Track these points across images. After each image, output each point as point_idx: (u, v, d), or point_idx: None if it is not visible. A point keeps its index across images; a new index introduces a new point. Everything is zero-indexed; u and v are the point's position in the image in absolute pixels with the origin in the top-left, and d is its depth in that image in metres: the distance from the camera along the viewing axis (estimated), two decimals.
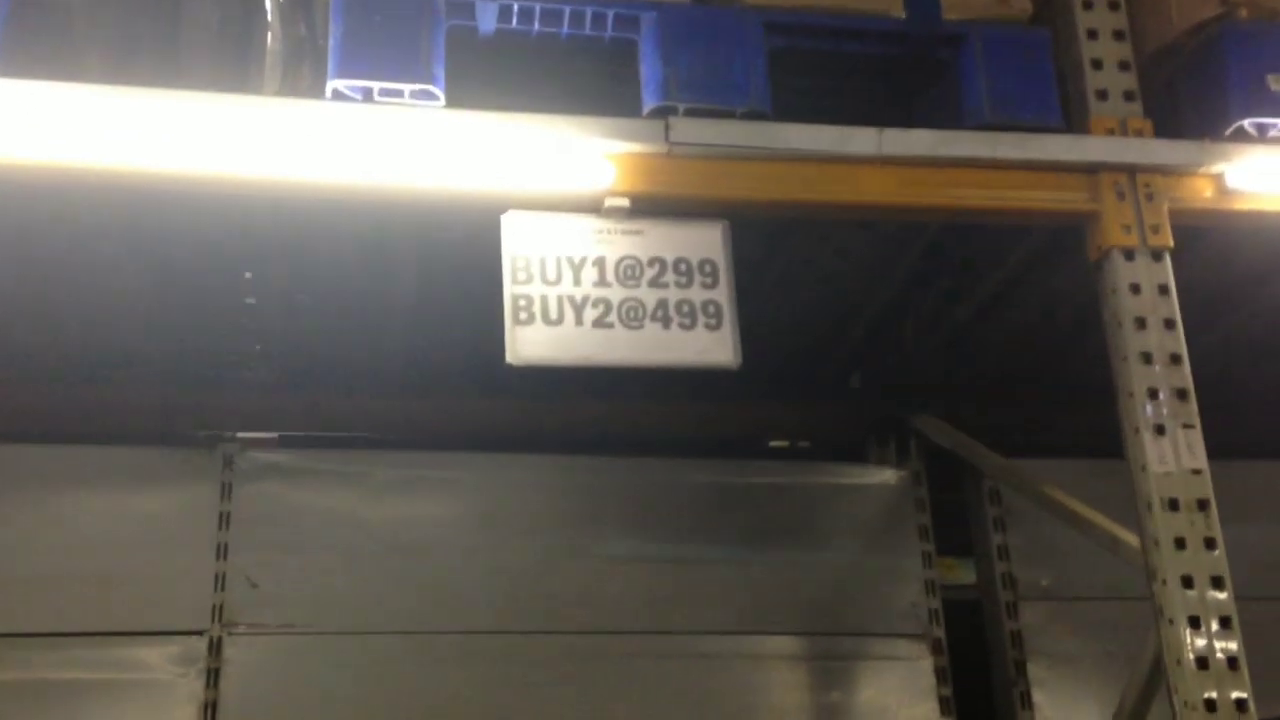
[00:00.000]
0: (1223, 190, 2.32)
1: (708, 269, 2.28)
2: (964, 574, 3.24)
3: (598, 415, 3.17)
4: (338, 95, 2.13)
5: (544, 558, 3.00)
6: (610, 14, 2.27)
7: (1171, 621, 2.08)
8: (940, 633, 3.08)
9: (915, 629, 3.08)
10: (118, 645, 2.74)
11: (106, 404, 2.98)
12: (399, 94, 2.14)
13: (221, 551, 2.86)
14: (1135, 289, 2.24)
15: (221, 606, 2.81)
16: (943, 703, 3.01)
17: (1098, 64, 2.39)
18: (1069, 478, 2.87)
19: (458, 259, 2.63)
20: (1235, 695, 2.02)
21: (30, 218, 2.43)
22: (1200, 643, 2.03)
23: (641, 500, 3.10)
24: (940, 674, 3.04)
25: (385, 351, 3.06)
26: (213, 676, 2.74)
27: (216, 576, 2.83)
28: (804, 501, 3.18)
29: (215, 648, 2.77)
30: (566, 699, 2.88)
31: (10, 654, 2.69)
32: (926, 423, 3.22)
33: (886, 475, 3.26)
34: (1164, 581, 2.10)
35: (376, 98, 2.13)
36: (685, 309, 2.25)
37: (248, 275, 2.74)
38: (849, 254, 2.84)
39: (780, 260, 2.85)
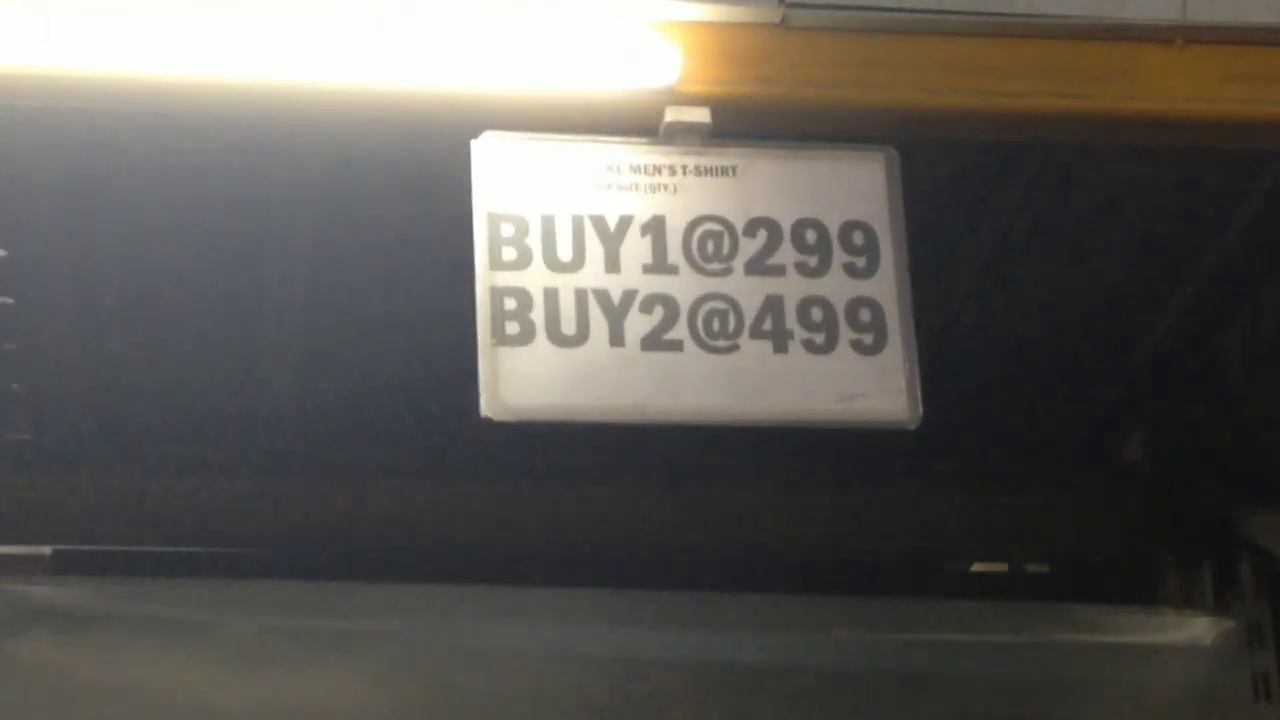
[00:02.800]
0: None
1: (859, 240, 1.77)
2: None
3: (636, 518, 2.59)
4: None
5: None
6: None
7: None
8: None
9: None
10: None
11: None
12: None
13: None
14: None
15: None
16: None
17: None
18: None
19: (374, 216, 2.24)
20: None
21: None
22: None
23: (731, 694, 2.47)
24: None
25: (254, 397, 2.57)
26: None
27: None
28: (1042, 680, 2.52)
29: None
30: None
31: None
32: (1271, 525, 2.53)
33: (1198, 628, 2.59)
34: None
35: None
36: (817, 315, 1.73)
37: None
38: (1124, 214, 2.37)
39: (994, 223, 2.37)
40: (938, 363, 1.94)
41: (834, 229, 1.77)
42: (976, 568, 2.90)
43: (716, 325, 1.73)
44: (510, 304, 1.67)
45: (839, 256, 1.76)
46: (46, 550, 2.59)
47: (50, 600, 2.43)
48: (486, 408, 1.62)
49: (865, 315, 1.74)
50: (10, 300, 2.33)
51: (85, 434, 2.63)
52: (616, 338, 1.71)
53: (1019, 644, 2.57)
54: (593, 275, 1.71)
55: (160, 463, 2.55)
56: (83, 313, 2.41)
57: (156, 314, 2.45)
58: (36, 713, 2.33)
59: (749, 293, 1.75)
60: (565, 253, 1.71)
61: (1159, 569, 2.76)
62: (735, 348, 1.72)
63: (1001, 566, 2.89)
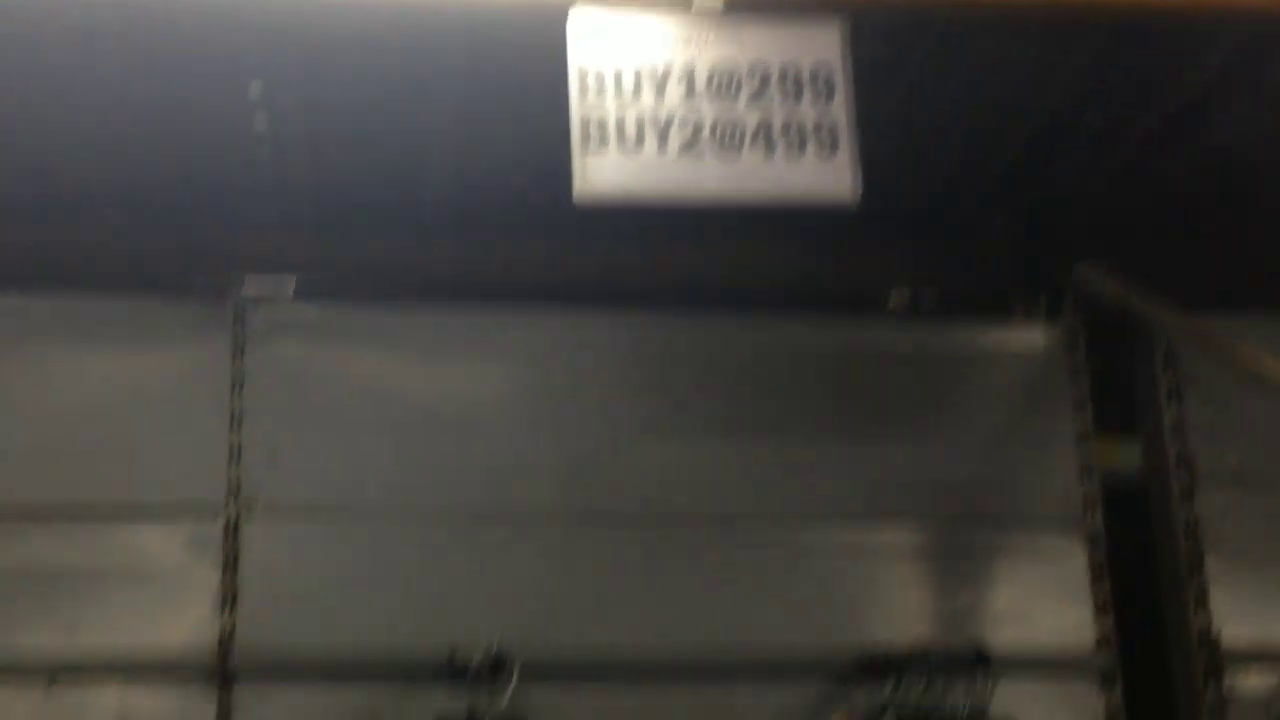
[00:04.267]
0: None
1: (822, 80, 2.33)
2: (1126, 457, 3.30)
3: (682, 262, 3.24)
4: None
5: (616, 433, 3.11)
6: None
7: None
8: (1096, 522, 3.17)
9: (1065, 519, 3.17)
10: (123, 526, 2.91)
11: (96, 246, 3.09)
12: None
13: (236, 420, 3.00)
14: None
15: (238, 482, 2.96)
16: (1098, 606, 3.11)
17: None
18: (1266, 335, 2.93)
19: (512, 71, 2.65)
20: None
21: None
22: None
23: (735, 366, 3.20)
24: (1095, 571, 3.14)
25: (424, 185, 3.09)
26: (230, 563, 2.91)
27: (231, 449, 2.99)
28: (933, 368, 3.24)
29: (232, 530, 2.93)
30: (640, 598, 3.01)
31: (3, 532, 2.86)
32: (1086, 271, 3.22)
33: (1035, 336, 3.31)
34: None
35: None
36: (793, 131, 2.30)
37: (255, 87, 2.77)
38: (995, 65, 2.82)
39: (909, 72, 2.82)
40: (870, 166, 2.27)
41: (806, 72, 2.29)
42: (896, 299, 3.34)
43: (727, 138, 2.26)
44: (593, 125, 2.22)
45: (809, 92, 2.29)
46: (290, 279, 3.10)
47: (295, 316, 3.06)
48: (578, 192, 2.19)
49: (826, 130, 2.28)
50: None
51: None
52: (663, 147, 2.25)
53: (919, 347, 3.23)
54: (648, 105, 2.25)
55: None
56: None
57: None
58: (291, 394, 3.00)
59: (749, 116, 2.27)
60: (629, 90, 2.24)
61: (1014, 300, 3.33)
62: (738, 153, 2.26)
63: (911, 299, 3.33)
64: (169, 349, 3.04)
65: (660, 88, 2.29)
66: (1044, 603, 3.13)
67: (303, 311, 3.10)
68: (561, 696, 2.88)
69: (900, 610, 3.09)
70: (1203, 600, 3.11)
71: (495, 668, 2.65)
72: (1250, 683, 3.08)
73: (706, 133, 2.29)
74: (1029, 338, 3.30)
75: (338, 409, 3.05)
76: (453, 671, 2.82)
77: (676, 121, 2.28)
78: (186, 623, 2.90)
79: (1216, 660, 3.07)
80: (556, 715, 2.78)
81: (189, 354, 3.04)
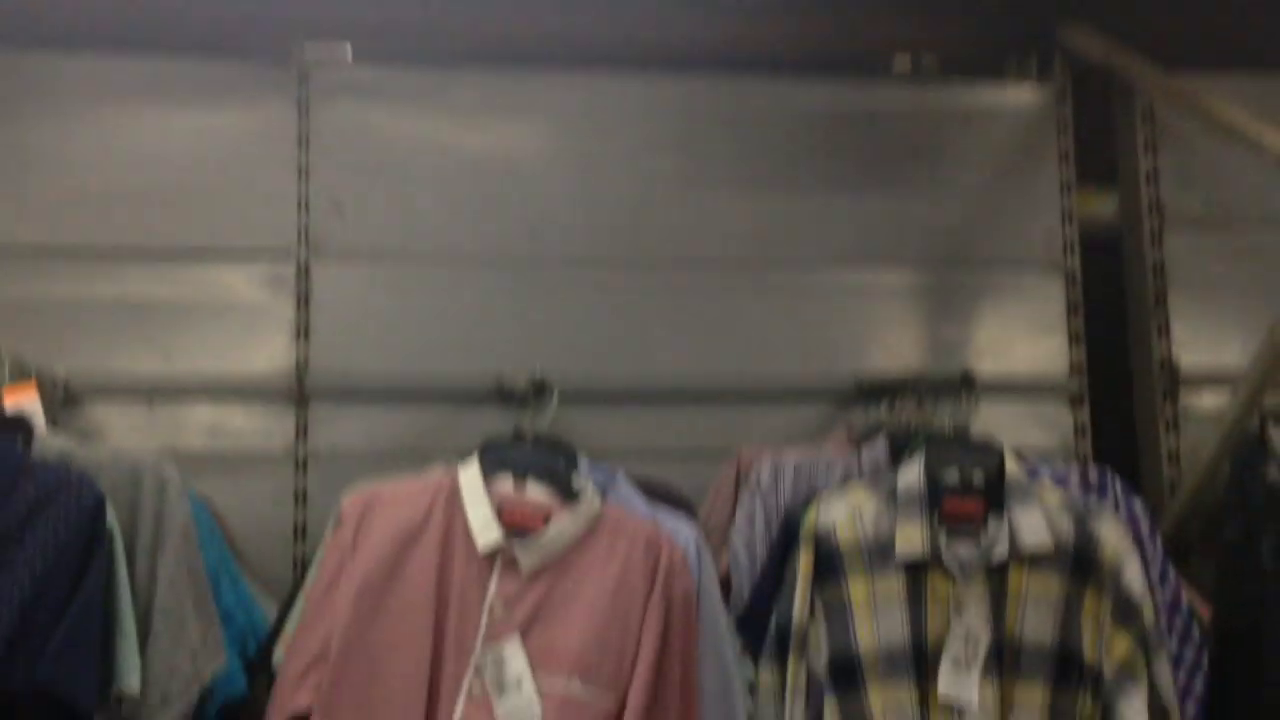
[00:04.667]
0: None
1: None
2: (1104, 206, 3.32)
3: (702, 31, 3.20)
4: None
5: (644, 186, 3.13)
6: None
7: None
8: (1074, 264, 3.20)
9: (1047, 260, 3.20)
10: (210, 265, 2.98)
11: (173, 13, 3.08)
12: None
13: (303, 174, 3.04)
14: None
15: (307, 230, 3.01)
16: (1072, 336, 3.18)
17: None
18: (1237, 92, 2.92)
19: None
20: None
21: None
22: None
23: (750, 125, 3.18)
24: (1071, 307, 3.19)
25: None
26: (303, 300, 2.98)
27: (300, 199, 3.03)
28: (931, 126, 3.22)
29: (304, 271, 2.99)
30: (665, 333, 3.08)
31: (106, 270, 2.94)
32: (1073, 32, 3.19)
33: (1025, 95, 3.28)
34: None
35: None
36: None
37: None
38: None
39: None
40: None
41: None
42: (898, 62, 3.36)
43: None
44: None
45: None
46: (347, 44, 3.11)
47: (353, 78, 3.08)
48: None
49: None
50: None
51: None
52: None
53: (918, 105, 3.24)
54: None
55: None
56: None
57: None
58: (352, 150, 3.04)
59: None
60: None
61: (1007, 62, 3.32)
62: None
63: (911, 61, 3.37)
64: (240, 109, 3.05)
65: None
66: (1024, 334, 3.19)
67: (361, 74, 3.09)
68: (594, 418, 2.95)
69: (895, 342, 3.15)
70: (1165, 330, 3.19)
71: (537, 392, 2.68)
72: (1203, 402, 3.16)
73: None
74: (1020, 96, 3.28)
75: (394, 164, 3.07)
76: (500, 395, 2.88)
77: None
78: (266, 351, 2.98)
79: (1174, 382, 3.16)
80: (589, 433, 2.81)
81: (258, 114, 3.05)
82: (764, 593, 2.48)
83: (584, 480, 2.40)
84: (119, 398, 2.88)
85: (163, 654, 2.23)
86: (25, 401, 2.44)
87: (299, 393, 2.94)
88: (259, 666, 2.45)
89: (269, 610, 2.57)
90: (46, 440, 2.37)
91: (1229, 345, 3.13)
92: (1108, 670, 2.39)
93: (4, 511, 2.17)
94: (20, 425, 2.36)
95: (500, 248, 3.06)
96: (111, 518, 2.25)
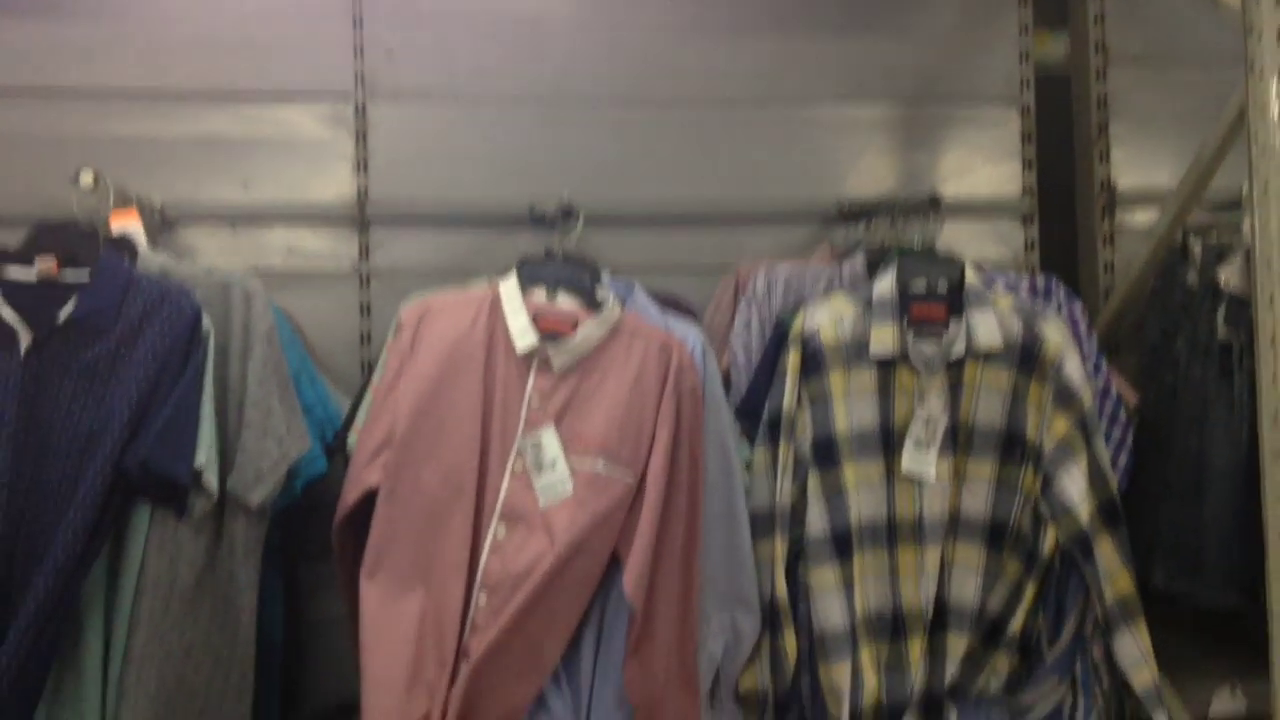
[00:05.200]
0: None
1: None
2: (1057, 46, 3.24)
3: None
4: None
5: (657, 34, 3.06)
6: None
7: (1260, 74, 2.14)
8: (1029, 98, 3.16)
9: (1006, 97, 3.15)
10: (280, 106, 2.94)
11: None
12: None
13: (357, 23, 2.97)
14: None
15: (362, 74, 2.96)
16: (1025, 162, 3.16)
17: None
18: None
19: None
20: None
21: None
22: None
23: None
24: (1025, 136, 3.16)
25: None
26: (361, 136, 2.95)
27: (355, 46, 2.97)
28: None
29: (361, 111, 2.95)
30: (675, 163, 3.05)
31: (193, 111, 2.90)
32: None
33: None
34: (1259, 36, 2.14)
35: None
36: None
37: None
38: None
39: None
40: None
41: None
42: None
43: None
44: None
45: None
46: None
47: None
48: None
49: None
50: None
51: None
52: None
53: None
54: None
55: None
56: None
57: None
58: (396, 6, 2.95)
59: None
60: None
61: None
62: None
63: None
64: None
65: None
66: (983, 161, 3.15)
67: None
68: (614, 238, 2.95)
69: (872, 169, 3.12)
70: (1105, 156, 3.15)
71: (565, 216, 2.67)
72: (1136, 219, 3.15)
73: None
74: None
75: (439, 14, 3.00)
76: (533, 219, 2.86)
77: None
78: (332, 181, 2.97)
79: (1112, 201, 3.14)
80: (610, 252, 2.82)
81: None
82: (759, 387, 2.52)
83: (606, 292, 2.41)
84: (206, 223, 2.88)
85: (255, 440, 2.29)
86: (129, 225, 2.44)
87: (360, 218, 2.93)
88: (335, 450, 2.50)
89: (342, 404, 2.61)
90: (148, 258, 2.38)
91: (1162, 169, 3.11)
92: (1048, 447, 2.45)
93: (119, 319, 2.20)
94: (126, 245, 2.38)
95: (533, 89, 3.01)
96: (207, 325, 2.28)
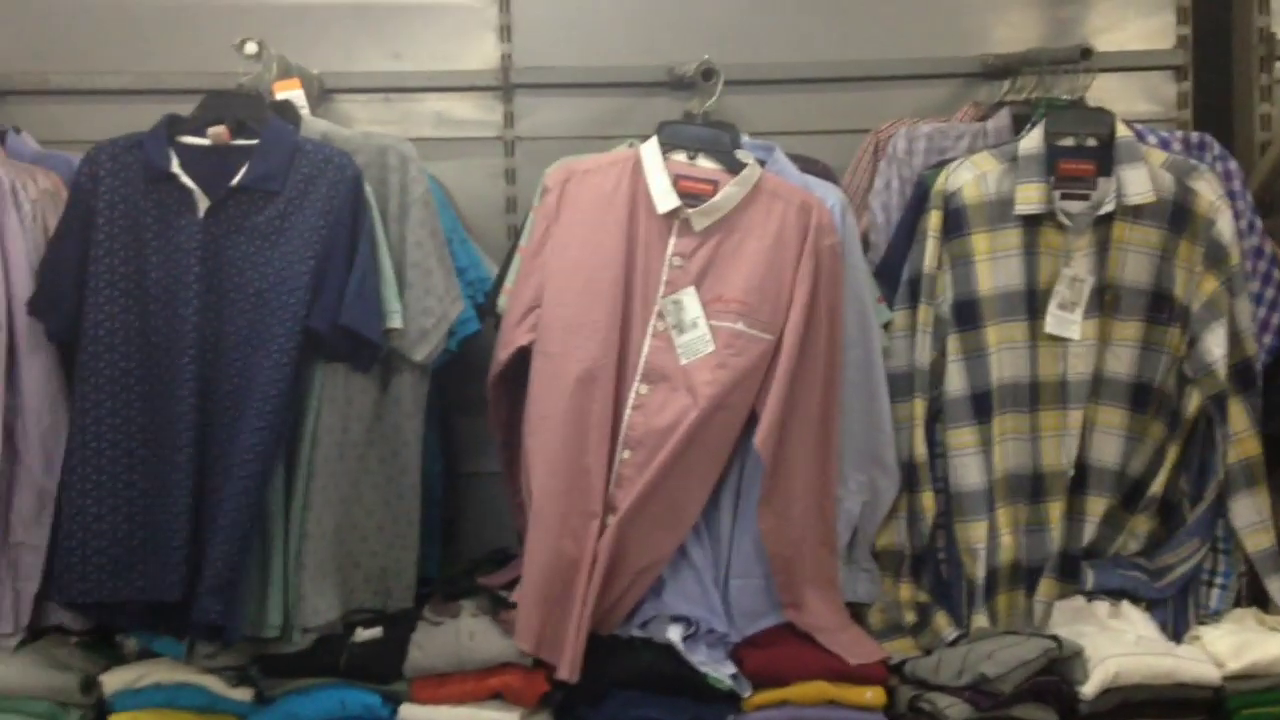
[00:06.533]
0: None
1: None
2: None
3: None
4: None
5: None
6: None
7: None
8: None
9: None
10: None
11: None
12: None
13: None
14: None
15: None
16: (1179, 11, 2.92)
17: None
18: None
19: None
20: None
21: None
22: None
23: None
24: None
25: None
26: (505, 4, 2.88)
27: None
28: None
29: None
30: (813, 23, 2.91)
31: None
32: None
33: None
34: None
35: None
36: None
37: None
38: None
39: None
40: None
41: None
42: None
43: None
44: None
45: None
46: None
47: None
48: None
49: None
50: None
51: None
52: None
53: None
54: None
55: None
56: None
57: None
58: None
59: None
60: None
61: None
62: None
63: None
64: None
65: None
66: (1135, 12, 2.92)
67: None
68: (754, 101, 2.84)
69: (1017, 24, 2.91)
70: (1264, 6, 2.88)
71: (705, 78, 2.56)
72: None
73: None
74: None
75: None
76: (672, 83, 2.79)
77: None
78: (478, 49, 2.89)
79: (1271, 54, 2.88)
80: (751, 114, 2.74)
81: None
82: (899, 248, 2.43)
83: (746, 154, 2.33)
84: (361, 92, 2.86)
85: (417, 300, 2.30)
86: (292, 93, 2.44)
87: (505, 85, 2.87)
88: (487, 312, 2.49)
89: (492, 268, 2.60)
90: (310, 123, 2.39)
91: None
92: (1195, 306, 2.33)
93: (287, 182, 2.22)
94: (290, 110, 2.39)
95: None
96: (368, 188, 2.28)
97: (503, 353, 2.29)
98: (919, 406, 2.34)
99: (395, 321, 2.26)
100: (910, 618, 2.34)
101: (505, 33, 2.87)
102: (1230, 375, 2.28)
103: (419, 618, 2.28)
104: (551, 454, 2.20)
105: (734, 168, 2.30)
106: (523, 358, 2.28)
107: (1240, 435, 2.27)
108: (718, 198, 2.26)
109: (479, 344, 2.49)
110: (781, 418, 2.21)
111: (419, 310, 2.28)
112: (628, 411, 2.23)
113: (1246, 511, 2.28)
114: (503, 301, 2.41)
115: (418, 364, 2.31)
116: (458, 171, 2.83)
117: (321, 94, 2.78)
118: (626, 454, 2.22)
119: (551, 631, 2.16)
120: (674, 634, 2.17)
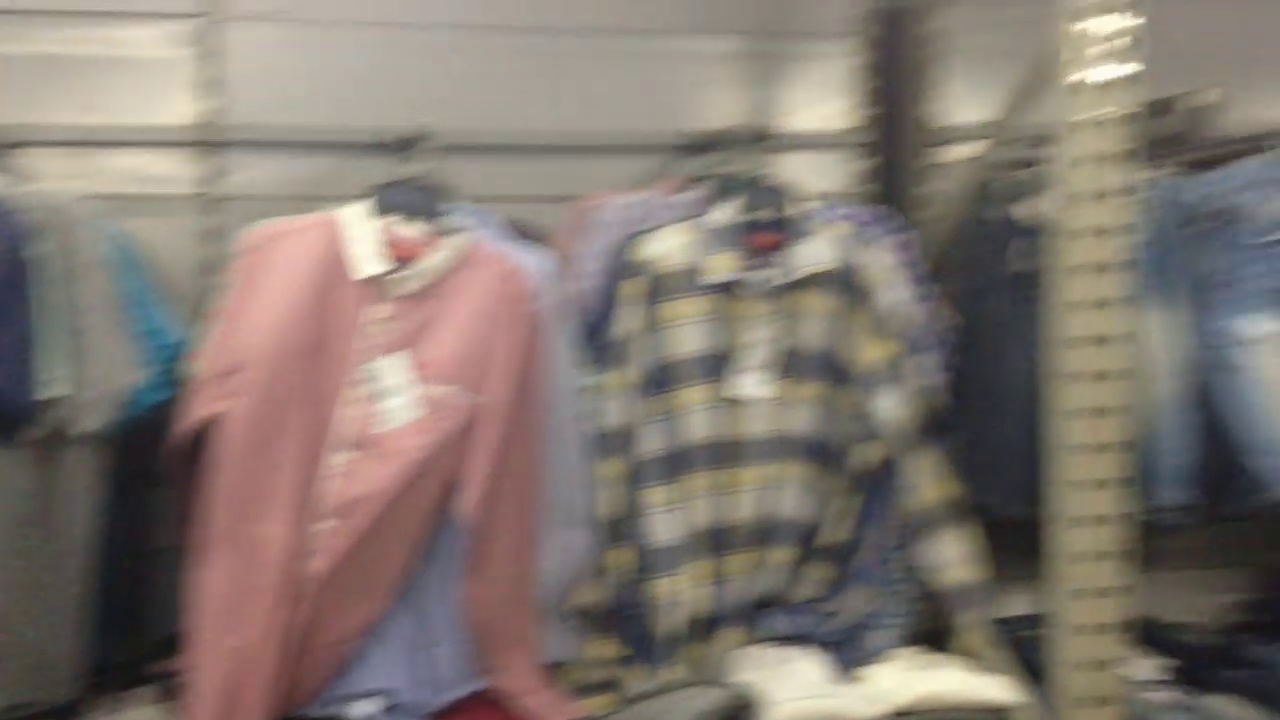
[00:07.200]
0: None
1: None
2: None
3: None
4: None
5: None
6: None
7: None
8: (869, 35, 3.07)
9: (843, 33, 3.06)
10: (120, 24, 2.73)
11: None
12: None
13: None
14: None
15: None
16: (861, 97, 3.08)
17: None
18: None
19: None
20: None
21: None
22: None
23: None
24: (862, 73, 3.08)
25: None
26: (211, 59, 2.75)
27: None
28: None
29: (211, 33, 2.76)
30: (523, 90, 2.94)
31: (9, 30, 2.68)
32: None
33: None
34: None
35: None
36: None
37: None
38: None
39: None
40: None
41: None
42: None
43: None
44: None
45: None
46: None
47: None
48: None
49: None
50: None
51: None
52: None
53: None
54: None
55: None
56: None
57: None
58: None
59: None
60: None
61: None
62: None
63: None
64: None
65: None
66: (822, 97, 3.09)
67: None
68: (469, 167, 2.71)
69: (715, 102, 3.03)
70: (934, 93, 3.05)
71: (417, 142, 2.53)
72: (954, 152, 3.06)
73: None
74: None
75: None
76: (384, 146, 2.69)
77: None
78: (179, 104, 2.76)
79: (939, 137, 3.06)
80: (466, 179, 2.61)
81: None
82: (601, 313, 2.45)
83: (455, 219, 2.29)
84: (52, 147, 2.67)
85: (88, 368, 2.14)
86: None
87: (209, 142, 2.76)
88: (177, 379, 2.33)
89: (186, 332, 2.43)
90: None
91: (987, 105, 2.95)
92: (869, 370, 2.44)
93: None
94: None
95: (383, 13, 2.86)
96: (38, 248, 2.12)
97: (188, 421, 2.16)
98: (617, 466, 2.35)
99: (55, 390, 2.08)
100: (607, 674, 2.34)
101: (211, 87, 2.75)
102: (910, 433, 2.40)
103: (86, 711, 2.13)
104: (227, 526, 2.09)
105: (443, 232, 2.27)
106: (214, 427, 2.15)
107: (925, 484, 2.39)
108: (426, 263, 2.23)
109: (173, 413, 2.33)
110: (487, 483, 2.18)
111: (90, 378, 2.13)
112: (325, 480, 2.14)
113: (940, 551, 2.40)
114: (194, 368, 2.27)
115: (90, 436, 2.14)
116: (155, 230, 2.67)
117: (4, 147, 2.56)
118: (322, 523, 2.12)
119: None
120: (362, 710, 2.09)
